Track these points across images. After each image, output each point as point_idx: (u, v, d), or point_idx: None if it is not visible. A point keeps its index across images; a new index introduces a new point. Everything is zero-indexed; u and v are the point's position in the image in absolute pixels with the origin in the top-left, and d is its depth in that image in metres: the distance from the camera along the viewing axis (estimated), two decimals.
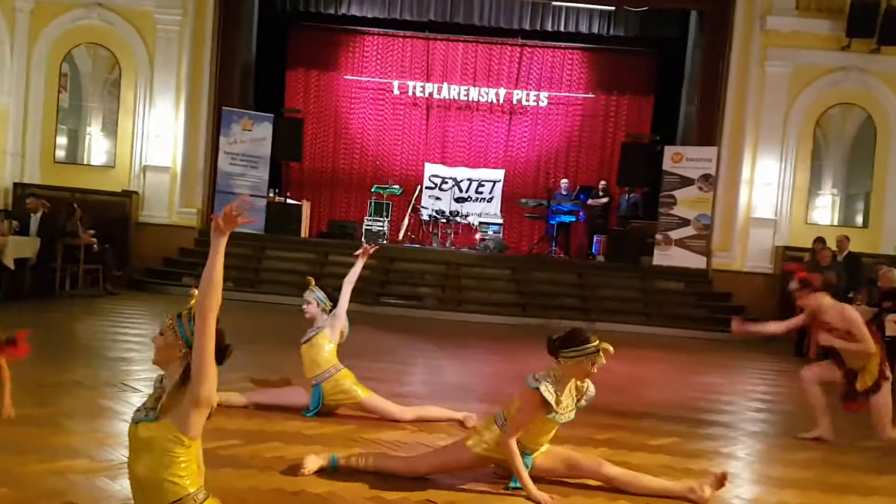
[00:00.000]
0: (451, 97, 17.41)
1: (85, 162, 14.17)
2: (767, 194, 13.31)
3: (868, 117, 13.41)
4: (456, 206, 15.23)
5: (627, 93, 17.28)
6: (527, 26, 16.39)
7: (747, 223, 13.30)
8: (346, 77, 17.43)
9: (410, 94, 17.42)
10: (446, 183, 16.58)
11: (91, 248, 11.29)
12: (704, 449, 4.92)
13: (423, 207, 15.55)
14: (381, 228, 14.52)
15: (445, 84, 17.34)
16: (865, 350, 5.08)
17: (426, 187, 16.65)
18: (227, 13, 13.90)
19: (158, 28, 13.43)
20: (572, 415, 3.77)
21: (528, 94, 17.33)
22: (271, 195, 14.41)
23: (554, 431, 3.81)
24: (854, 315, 5.13)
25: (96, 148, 14.18)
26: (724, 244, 13.42)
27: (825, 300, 5.24)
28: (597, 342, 3.61)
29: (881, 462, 4.87)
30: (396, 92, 17.41)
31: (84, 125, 14.18)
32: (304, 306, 5.18)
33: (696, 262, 13.43)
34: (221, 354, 2.65)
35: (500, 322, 11.61)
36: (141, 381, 5.59)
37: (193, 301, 2.64)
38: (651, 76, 17.09)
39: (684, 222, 13.53)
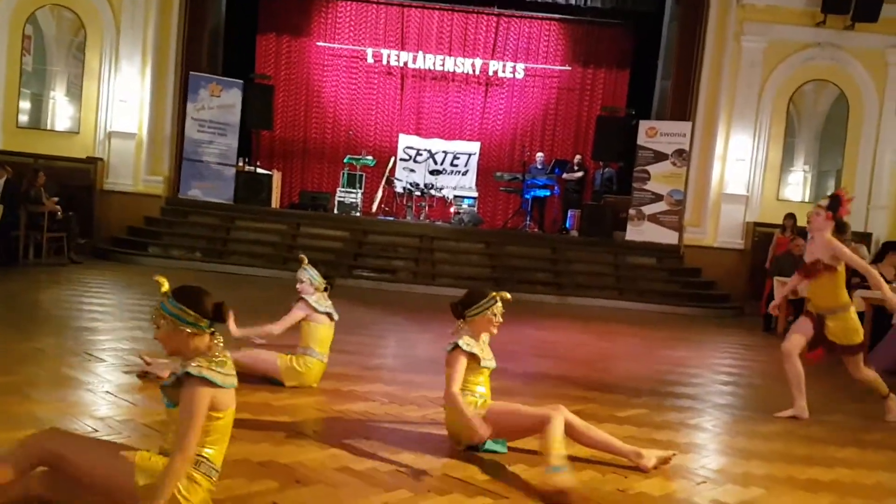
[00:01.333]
0: (427, 67, 17.22)
1: (49, 127, 13.82)
2: (740, 170, 13.40)
3: (841, 94, 13.53)
4: (430, 179, 15.13)
5: (603, 66, 17.24)
6: None
7: (719, 199, 13.40)
8: (318, 43, 17.14)
9: (385, 62, 17.20)
10: (421, 155, 16.46)
11: (55, 216, 11.05)
12: (671, 420, 4.95)
13: (397, 179, 15.43)
14: (354, 200, 14.39)
15: (420, 53, 17.14)
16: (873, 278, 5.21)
17: (400, 159, 16.51)
18: None
19: None
20: (494, 362, 4.06)
21: (504, 66, 17.21)
22: (240, 164, 14.19)
23: (487, 380, 4.02)
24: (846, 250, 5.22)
25: (60, 113, 13.83)
26: (696, 220, 13.52)
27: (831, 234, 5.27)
28: (493, 293, 3.98)
29: (844, 434, 4.95)
30: (370, 60, 17.18)
31: (48, 89, 13.82)
32: (298, 285, 5.08)
33: (668, 237, 13.52)
34: (217, 312, 2.77)
35: None
36: (105, 350, 5.48)
37: (165, 287, 2.81)
38: (627, 50, 17.06)
39: (657, 197, 13.59)
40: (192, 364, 2.68)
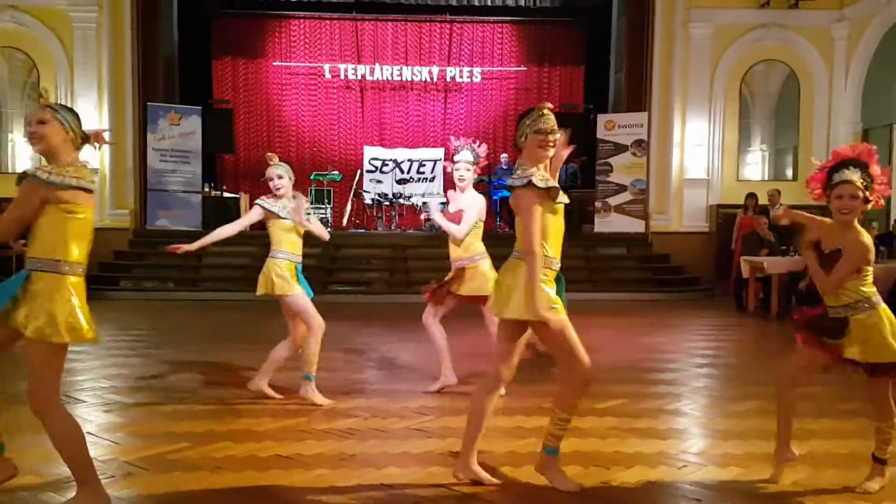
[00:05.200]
0: (385, 78, 17.30)
1: (9, 170, 13.64)
2: (699, 155, 13.63)
3: (791, 72, 13.81)
4: (398, 188, 15.19)
5: (558, 64, 17.44)
6: (454, 2, 16.40)
7: (681, 184, 13.61)
8: (274, 64, 17.15)
9: (342, 77, 17.26)
10: (387, 165, 16.52)
11: (24, 259, 10.91)
12: (650, 408, 5.06)
13: (364, 192, 15.47)
14: (323, 216, 14.40)
15: (377, 65, 17.21)
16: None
17: (367, 171, 16.55)
18: (144, 5, 13.47)
19: (75, 27, 12.98)
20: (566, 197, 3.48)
21: (461, 71, 17.34)
22: (206, 189, 14.14)
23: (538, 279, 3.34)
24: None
25: (20, 154, 13.67)
26: (661, 207, 13.71)
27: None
28: (536, 108, 3.42)
29: (816, 407, 5.07)
30: (328, 76, 17.22)
31: (5, 132, 13.67)
32: (276, 181, 5.04)
33: (635, 226, 13.71)
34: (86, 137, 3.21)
35: None
36: (84, 391, 5.46)
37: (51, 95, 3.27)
38: (580, 46, 17.29)
39: (621, 188, 13.78)
40: (44, 169, 3.01)
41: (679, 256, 13.24)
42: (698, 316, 10.30)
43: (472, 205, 5.29)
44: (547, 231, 3.35)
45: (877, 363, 3.46)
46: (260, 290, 5.05)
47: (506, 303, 3.39)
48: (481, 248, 5.36)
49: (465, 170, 5.23)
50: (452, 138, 5.53)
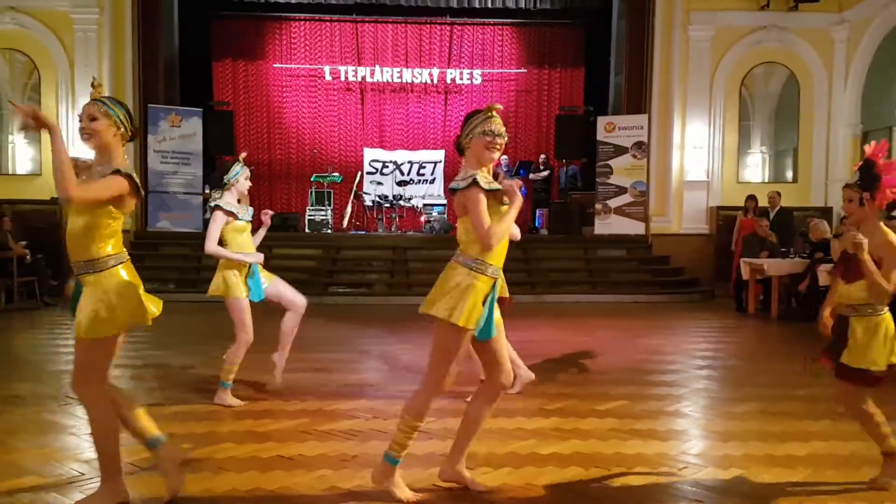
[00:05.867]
0: (385, 80, 17.31)
1: (9, 171, 13.67)
2: (699, 157, 13.64)
3: (791, 74, 13.83)
4: (398, 190, 15.21)
5: (559, 66, 17.46)
6: (455, 4, 16.39)
7: (681, 186, 13.63)
8: (274, 66, 17.17)
9: (343, 79, 17.27)
10: (387, 167, 16.53)
11: (24, 260, 10.94)
12: (650, 409, 5.07)
13: (365, 193, 15.48)
14: (324, 217, 14.41)
15: (378, 67, 17.22)
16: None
17: (367, 173, 16.57)
18: (145, 7, 13.48)
19: (76, 28, 12.99)
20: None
21: (461, 73, 17.35)
22: (207, 191, 14.14)
23: (508, 211, 3.30)
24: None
25: (21, 156, 13.68)
26: (661, 209, 13.73)
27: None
28: (483, 111, 3.34)
29: (816, 408, 5.09)
30: (328, 78, 17.23)
31: (6, 133, 13.67)
32: (234, 184, 5.24)
33: (635, 228, 13.72)
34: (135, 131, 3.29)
35: None
36: None
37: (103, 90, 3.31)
38: (580, 48, 17.30)
39: (621, 190, 13.79)
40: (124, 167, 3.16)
41: (679, 258, 13.25)
42: (698, 318, 10.31)
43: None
44: None
45: (846, 366, 3.46)
46: (210, 291, 5.19)
47: (432, 302, 3.30)
48: None
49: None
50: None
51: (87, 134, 3.16)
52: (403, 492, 3.37)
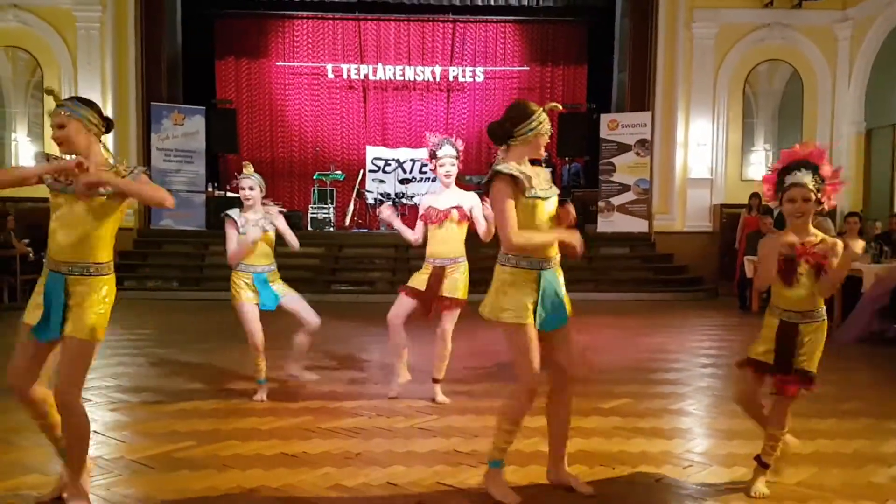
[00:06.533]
0: (387, 78, 17.30)
1: None
2: (702, 154, 13.62)
3: (794, 72, 13.80)
4: (401, 188, 15.19)
5: (561, 63, 17.43)
6: (457, 2, 16.38)
7: (685, 184, 13.60)
8: (277, 64, 17.17)
9: (345, 77, 17.26)
10: (389, 165, 16.52)
11: (27, 258, 10.95)
12: (654, 407, 5.06)
13: (367, 191, 15.47)
14: (326, 215, 14.40)
15: (380, 65, 17.22)
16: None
17: (369, 170, 16.55)
18: (148, 5, 13.50)
19: (78, 26, 13.00)
20: (552, 192, 3.38)
21: (463, 71, 17.34)
22: (210, 189, 14.15)
23: (552, 231, 3.38)
24: None
25: (24, 154, 13.68)
26: (664, 206, 13.71)
27: None
28: (539, 109, 3.30)
29: (821, 406, 5.06)
30: (331, 76, 17.23)
31: (9, 131, 13.66)
32: (248, 192, 5.15)
33: (638, 226, 13.70)
34: (109, 123, 3.22)
35: None
36: (90, 389, 5.46)
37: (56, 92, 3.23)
38: (583, 45, 17.27)
39: (624, 188, 13.78)
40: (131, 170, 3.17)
41: (682, 256, 13.23)
42: (702, 316, 10.29)
43: (476, 201, 5.27)
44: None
45: (808, 372, 3.45)
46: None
47: (484, 304, 3.39)
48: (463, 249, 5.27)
49: (451, 164, 5.19)
50: (428, 134, 5.41)
51: (60, 143, 3.15)
52: (507, 496, 3.34)
